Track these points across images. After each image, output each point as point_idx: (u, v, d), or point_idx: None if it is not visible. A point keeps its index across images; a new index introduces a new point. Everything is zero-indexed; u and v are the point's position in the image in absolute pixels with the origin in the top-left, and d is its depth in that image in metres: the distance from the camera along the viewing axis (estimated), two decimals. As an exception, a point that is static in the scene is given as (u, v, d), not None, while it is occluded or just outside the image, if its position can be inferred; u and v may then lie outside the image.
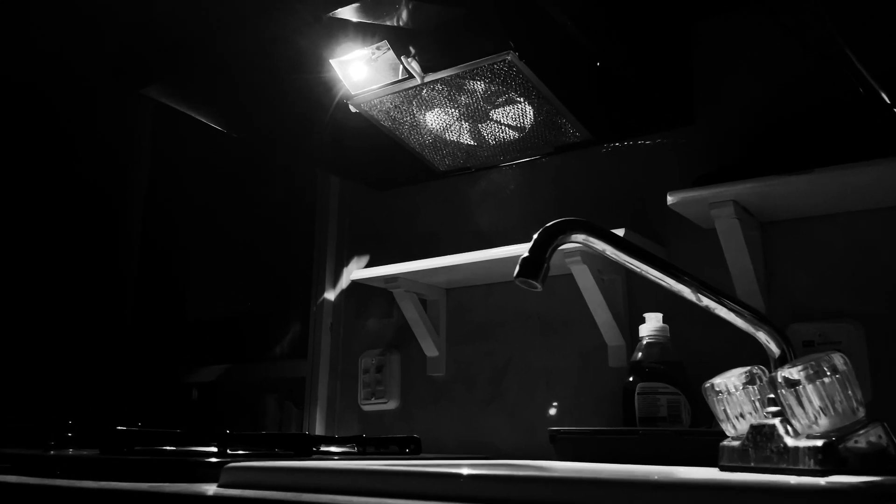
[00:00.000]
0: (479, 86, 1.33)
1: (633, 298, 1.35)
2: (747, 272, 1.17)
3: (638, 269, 0.81)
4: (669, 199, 1.15)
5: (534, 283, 0.77)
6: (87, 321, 2.19)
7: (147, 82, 1.27)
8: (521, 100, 1.35)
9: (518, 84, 1.29)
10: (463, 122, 1.44)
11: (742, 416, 0.84)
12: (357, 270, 1.52)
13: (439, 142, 1.50)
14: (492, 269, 1.43)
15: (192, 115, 1.36)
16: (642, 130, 1.40)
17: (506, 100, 1.36)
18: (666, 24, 1.35)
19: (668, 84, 1.32)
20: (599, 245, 0.80)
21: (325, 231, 1.80)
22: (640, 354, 1.15)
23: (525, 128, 1.43)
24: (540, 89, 1.29)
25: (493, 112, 1.40)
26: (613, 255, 0.81)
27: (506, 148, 1.50)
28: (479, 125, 1.45)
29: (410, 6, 1.19)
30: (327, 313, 1.78)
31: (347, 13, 1.18)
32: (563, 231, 0.79)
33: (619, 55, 1.23)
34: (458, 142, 1.50)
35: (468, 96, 1.36)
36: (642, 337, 1.16)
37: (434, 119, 1.44)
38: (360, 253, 1.76)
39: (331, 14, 1.20)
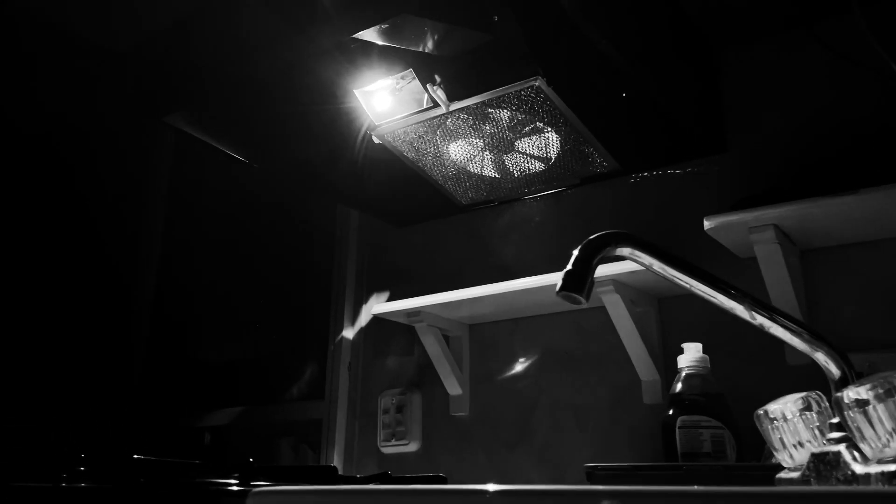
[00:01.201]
0: (505, 114, 1.31)
1: (667, 331, 1.30)
2: (789, 301, 1.12)
3: (687, 285, 0.77)
4: (706, 224, 1.11)
5: (577, 296, 0.72)
6: (96, 362, 2.15)
7: (169, 110, 1.25)
8: (548, 128, 1.32)
9: (545, 112, 1.27)
10: (487, 153, 1.42)
11: (800, 444, 0.79)
12: (378, 305, 1.47)
13: (462, 174, 1.48)
14: (517, 302, 1.39)
15: (214, 144, 1.34)
16: (672, 160, 1.37)
17: (532, 129, 1.34)
18: (696, 50, 1.33)
19: (699, 111, 1.29)
20: (646, 259, 0.76)
21: (344, 268, 1.77)
22: (679, 386, 1.10)
23: (551, 158, 1.40)
24: (567, 116, 1.27)
25: (518, 142, 1.38)
26: (660, 270, 0.76)
27: (531, 179, 1.47)
28: (504, 156, 1.42)
29: (435, 32, 1.18)
30: (345, 352, 1.73)
31: (371, 37, 1.17)
32: (608, 243, 0.75)
33: (650, 80, 1.21)
34: (481, 174, 1.47)
35: (493, 125, 1.34)
36: (681, 368, 1.11)
37: (458, 150, 1.42)
38: (379, 290, 1.72)
39: (354, 40, 1.18)
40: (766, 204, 1.07)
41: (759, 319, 0.77)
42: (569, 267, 0.74)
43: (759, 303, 0.77)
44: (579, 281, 0.72)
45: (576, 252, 0.75)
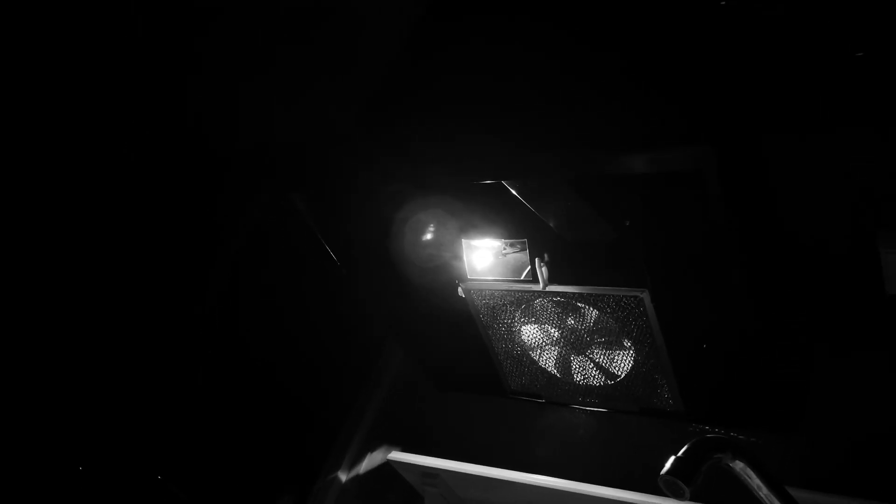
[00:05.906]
0: (594, 314, 1.30)
1: None
2: None
3: (788, 525, 0.71)
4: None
5: (682, 485, 0.67)
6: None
7: (295, 188, 1.29)
8: (629, 344, 1.31)
9: (636, 326, 1.26)
10: (557, 348, 1.40)
11: None
12: (396, 452, 1.39)
13: (525, 358, 1.45)
14: (540, 502, 1.29)
15: (317, 233, 1.36)
16: (740, 423, 1.33)
17: (613, 340, 1.33)
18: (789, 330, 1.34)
19: (786, 384, 1.28)
20: (756, 480, 0.71)
21: (366, 404, 1.67)
22: None
23: (619, 376, 1.37)
24: (656, 339, 1.26)
25: (593, 347, 1.36)
26: (765, 498, 0.71)
27: (589, 391, 1.43)
28: (572, 356, 1.40)
29: (570, 211, 1.22)
30: (330, 498, 1.59)
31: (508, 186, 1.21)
32: (727, 448, 0.70)
33: (747, 341, 1.21)
34: (542, 366, 1.44)
35: (578, 321, 1.33)
36: None
37: (531, 333, 1.40)
38: (392, 441, 1.62)
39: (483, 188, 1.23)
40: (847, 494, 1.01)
41: None
42: (679, 454, 0.69)
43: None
44: (689, 469, 0.67)
45: (689, 443, 0.70)
